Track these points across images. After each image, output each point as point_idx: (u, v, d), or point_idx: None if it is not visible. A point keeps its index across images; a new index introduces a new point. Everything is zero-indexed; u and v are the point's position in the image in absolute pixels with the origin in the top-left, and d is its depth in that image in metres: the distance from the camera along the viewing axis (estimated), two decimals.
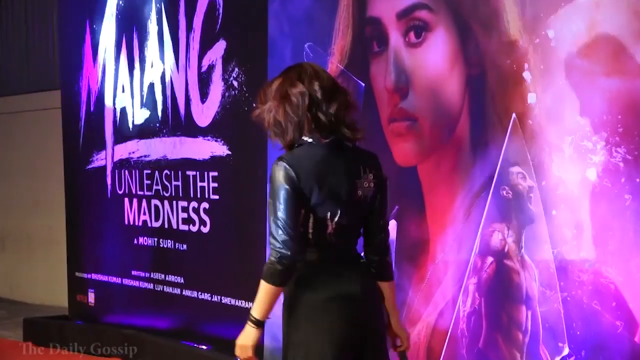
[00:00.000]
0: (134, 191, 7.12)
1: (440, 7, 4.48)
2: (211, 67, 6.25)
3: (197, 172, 6.42)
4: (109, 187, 7.43)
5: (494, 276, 4.26)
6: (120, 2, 7.26)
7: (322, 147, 3.11)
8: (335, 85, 3.18)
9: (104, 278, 7.52)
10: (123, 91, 7.23)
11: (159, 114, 6.82)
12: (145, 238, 7.01)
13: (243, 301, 5.90)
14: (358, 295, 3.13)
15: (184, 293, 6.58)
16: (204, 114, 6.34)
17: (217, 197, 6.27)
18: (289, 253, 3.03)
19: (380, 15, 4.80)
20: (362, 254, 3.27)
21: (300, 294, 3.13)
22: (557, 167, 3.95)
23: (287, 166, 3.04)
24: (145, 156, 6.98)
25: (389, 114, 4.76)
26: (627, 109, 3.67)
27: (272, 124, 3.14)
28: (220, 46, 6.18)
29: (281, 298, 3.20)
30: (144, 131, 6.99)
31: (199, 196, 6.41)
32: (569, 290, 3.91)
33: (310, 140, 3.10)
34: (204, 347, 6.34)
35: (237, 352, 3.17)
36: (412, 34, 4.60)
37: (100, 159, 7.52)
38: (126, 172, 7.20)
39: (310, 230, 3.10)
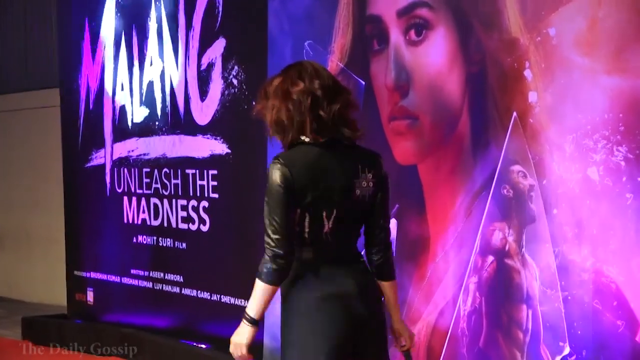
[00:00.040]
0: (133, 189, 7.11)
1: (441, 5, 4.47)
2: (211, 65, 6.24)
3: (197, 171, 6.40)
4: (108, 185, 7.41)
5: (495, 275, 4.25)
6: (120, 0, 7.25)
7: (319, 146, 3.11)
8: (336, 83, 3.17)
9: (103, 277, 7.51)
10: (122, 89, 7.22)
11: (159, 112, 6.81)
12: (145, 237, 6.99)
13: (242, 300, 5.89)
14: (353, 295, 3.13)
15: (183, 292, 6.57)
16: (204, 112, 6.33)
17: (216, 195, 6.26)
18: (282, 252, 3.05)
19: (381, 13, 4.79)
20: (364, 253, 3.26)
21: (296, 292, 3.14)
22: (558, 166, 3.93)
23: (282, 166, 3.05)
24: (144, 154, 6.97)
25: (390, 112, 4.75)
26: (629, 107, 3.66)
27: (274, 123, 3.13)
28: (219, 44, 6.16)
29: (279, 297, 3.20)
30: (144, 129, 6.98)
31: (198, 195, 6.40)
32: (569, 290, 3.90)
33: (307, 139, 3.10)
34: (203, 346, 6.33)
35: (232, 349, 3.19)
36: (412, 32, 4.59)
37: (100, 157, 7.51)
38: (125, 170, 7.19)
39: (307, 230, 3.10)
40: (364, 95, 4.89)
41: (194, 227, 6.46)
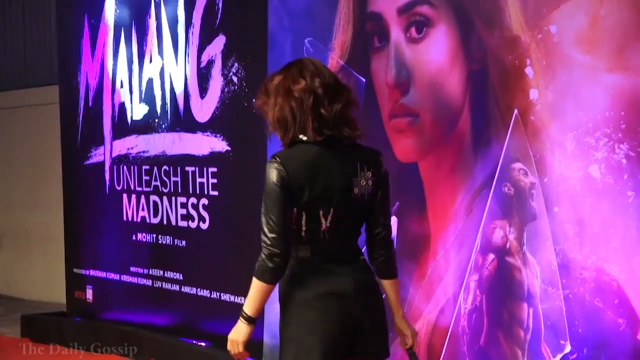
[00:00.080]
0: (132, 187, 7.10)
1: (442, 3, 4.46)
2: (210, 62, 6.23)
3: (196, 168, 6.39)
4: (107, 183, 7.40)
5: (496, 273, 4.24)
6: None
7: (318, 145, 3.10)
8: (336, 82, 3.17)
9: (102, 274, 7.50)
10: (122, 86, 7.21)
11: (158, 109, 6.80)
12: (144, 234, 6.98)
13: (242, 298, 5.87)
14: (349, 294, 3.13)
15: (182, 290, 6.56)
16: (203, 109, 6.31)
17: (216, 193, 6.25)
18: (278, 251, 3.06)
19: (381, 10, 4.78)
20: (365, 252, 3.26)
21: (292, 291, 3.15)
22: (559, 164, 3.92)
23: (278, 165, 3.07)
24: (144, 152, 6.95)
25: (390, 109, 4.74)
26: (630, 105, 3.66)
27: (276, 121, 3.12)
28: (219, 41, 6.15)
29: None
30: (143, 127, 6.96)
31: (198, 192, 6.39)
32: (570, 288, 3.89)
33: (305, 138, 3.10)
34: (203, 343, 6.33)
35: (229, 346, 3.22)
36: (413, 30, 4.58)
37: (99, 155, 7.50)
38: (125, 167, 7.18)
39: (304, 228, 3.11)
40: (364, 93, 4.88)
41: (193, 225, 6.45)
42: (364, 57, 4.90)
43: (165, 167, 6.71)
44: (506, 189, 4.18)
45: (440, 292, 4.53)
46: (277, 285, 3.19)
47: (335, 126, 3.10)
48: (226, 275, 6.16)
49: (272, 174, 3.06)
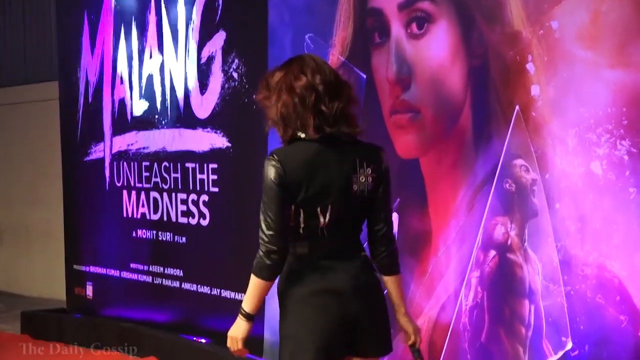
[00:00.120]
0: (132, 183, 7.09)
1: None
2: (211, 59, 6.22)
3: (197, 164, 6.38)
4: (107, 179, 7.39)
5: (497, 270, 4.24)
6: None
7: (317, 142, 3.10)
8: (337, 78, 3.16)
9: (102, 271, 7.50)
10: (122, 82, 7.20)
11: (158, 105, 6.79)
12: (144, 231, 6.98)
13: (242, 294, 5.82)
14: (345, 290, 3.13)
15: (183, 286, 6.56)
16: (204, 105, 6.30)
17: (216, 189, 6.24)
18: (276, 248, 3.08)
19: (382, 6, 4.76)
20: (367, 248, 3.25)
21: (290, 287, 3.16)
22: (561, 160, 3.91)
23: (275, 162, 3.07)
24: (144, 148, 6.95)
25: (391, 105, 4.73)
26: (632, 101, 3.64)
27: (280, 117, 3.11)
28: (219, 37, 6.14)
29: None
30: (143, 123, 6.96)
31: (198, 189, 6.38)
32: (572, 284, 3.88)
33: (305, 135, 3.09)
34: (203, 340, 6.32)
35: (228, 343, 3.24)
36: (414, 25, 4.57)
37: (99, 151, 7.49)
38: (125, 164, 7.17)
39: (302, 225, 3.12)
40: (365, 89, 4.87)
41: (193, 221, 6.45)
42: (365, 53, 4.89)
43: (165, 163, 6.70)
44: (507, 185, 4.17)
45: (441, 289, 4.52)
46: (276, 282, 3.19)
47: (335, 123, 3.09)
48: (226, 272, 6.15)
49: (270, 171, 3.07)
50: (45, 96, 9.91)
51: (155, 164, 6.80)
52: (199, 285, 6.39)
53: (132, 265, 7.11)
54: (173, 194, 6.63)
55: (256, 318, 3.23)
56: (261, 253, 3.09)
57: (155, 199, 6.83)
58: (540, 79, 3.99)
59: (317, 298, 3.11)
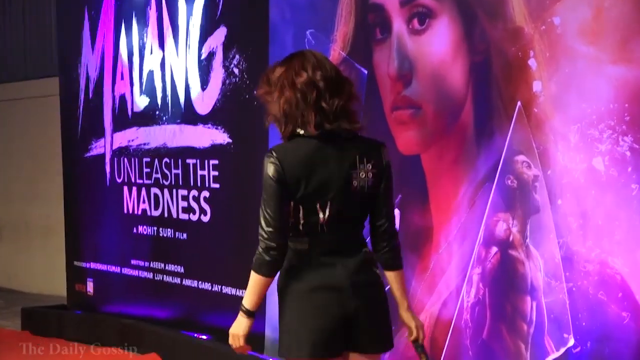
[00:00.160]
0: (133, 179, 7.08)
1: None
2: (211, 54, 6.21)
3: (197, 160, 6.37)
4: (108, 175, 7.38)
5: (499, 266, 4.23)
6: None
7: (314, 139, 3.09)
8: (338, 75, 3.15)
9: (103, 267, 7.49)
10: (122, 78, 7.19)
11: (159, 101, 6.78)
12: (145, 227, 6.97)
13: (243, 291, 5.82)
14: (344, 287, 3.12)
15: (183, 282, 6.55)
16: (204, 101, 6.29)
17: (217, 185, 6.23)
18: (275, 244, 3.08)
19: (383, 1, 4.75)
20: (370, 244, 3.24)
21: (289, 283, 3.17)
22: (563, 156, 3.91)
23: (274, 159, 3.07)
24: (144, 144, 6.94)
25: (392, 101, 4.72)
26: (634, 97, 3.64)
27: (282, 113, 3.10)
28: (220, 33, 6.13)
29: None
30: (144, 119, 6.94)
31: (199, 185, 6.37)
32: (574, 281, 3.88)
33: (302, 132, 3.09)
34: (204, 336, 6.32)
35: (230, 340, 3.24)
36: (415, 21, 4.55)
37: (99, 147, 7.48)
38: (125, 160, 7.16)
39: (302, 221, 3.11)
40: (366, 85, 4.86)
41: (194, 218, 6.44)
42: (366, 48, 4.88)
43: (166, 159, 6.69)
44: (509, 181, 4.16)
45: (442, 285, 4.51)
46: (277, 278, 3.19)
47: (336, 120, 3.08)
48: (227, 268, 6.14)
49: (269, 168, 3.07)
50: (45, 92, 9.90)
51: (156, 160, 6.79)
52: (200, 282, 6.39)
53: (133, 262, 7.10)
54: (174, 190, 6.63)
55: (257, 315, 3.22)
56: (260, 249, 3.10)
57: (156, 195, 6.82)
58: (542, 75, 3.98)
59: (316, 294, 3.11)
